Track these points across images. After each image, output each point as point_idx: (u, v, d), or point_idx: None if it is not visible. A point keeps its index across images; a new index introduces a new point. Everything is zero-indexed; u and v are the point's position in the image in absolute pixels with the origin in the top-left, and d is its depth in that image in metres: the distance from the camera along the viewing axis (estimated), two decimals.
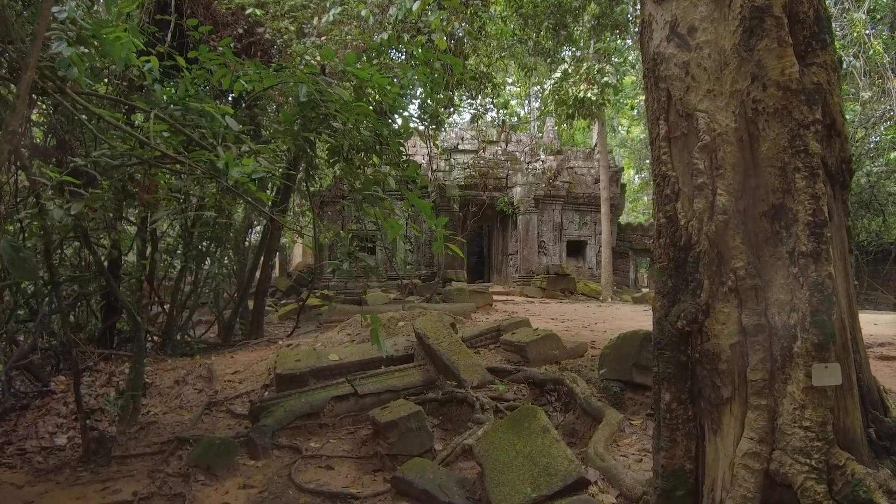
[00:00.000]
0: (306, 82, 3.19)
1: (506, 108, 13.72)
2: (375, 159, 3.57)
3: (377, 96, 3.46)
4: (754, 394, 1.69)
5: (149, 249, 7.71)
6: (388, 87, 2.96)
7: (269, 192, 9.46)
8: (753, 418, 1.68)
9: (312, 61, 4.29)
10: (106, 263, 8.03)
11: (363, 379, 4.44)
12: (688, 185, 1.79)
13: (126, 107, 4.91)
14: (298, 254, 20.97)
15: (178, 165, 2.62)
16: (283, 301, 16.90)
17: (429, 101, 4.35)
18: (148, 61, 2.65)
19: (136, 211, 7.95)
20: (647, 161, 24.16)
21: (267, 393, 5.04)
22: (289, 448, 3.92)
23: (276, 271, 21.05)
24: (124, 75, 5.54)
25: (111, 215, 6.78)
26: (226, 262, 10.07)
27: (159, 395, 5.62)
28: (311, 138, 3.69)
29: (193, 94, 2.88)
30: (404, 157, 3.97)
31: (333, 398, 4.25)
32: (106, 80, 4.85)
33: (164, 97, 3.49)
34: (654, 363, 1.85)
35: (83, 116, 3.21)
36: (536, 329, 5.01)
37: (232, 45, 6.93)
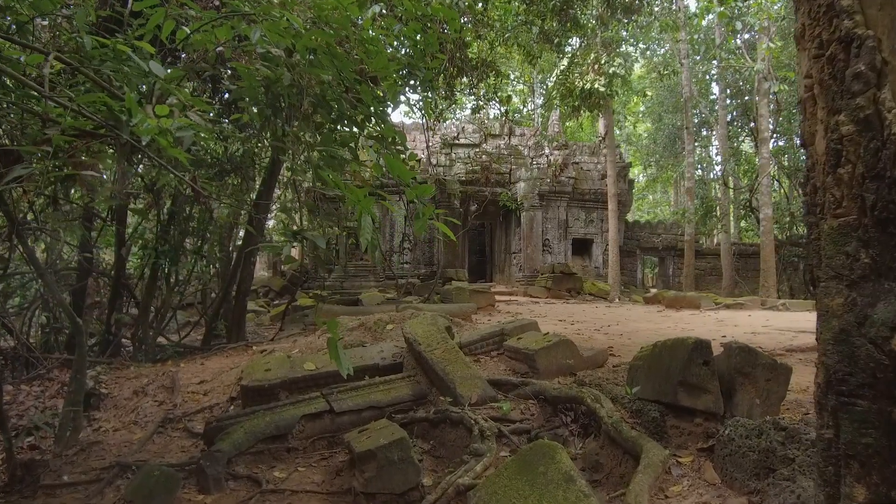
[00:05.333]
0: (258, 23, 2.50)
1: (508, 102, 13.03)
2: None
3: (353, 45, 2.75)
4: None
5: (122, 244, 7.07)
6: (361, 22, 2.26)
7: (254, 182, 8.80)
8: None
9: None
10: (78, 260, 7.39)
11: (341, 393, 3.74)
12: None
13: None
14: (294, 252, 20.27)
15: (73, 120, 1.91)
16: (277, 301, 16.27)
17: (420, 64, 3.63)
18: None
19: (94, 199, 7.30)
20: (655, 156, 23.35)
21: (232, 407, 4.35)
22: (247, 479, 3.23)
23: (271, 270, 20.41)
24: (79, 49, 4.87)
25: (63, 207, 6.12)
26: (213, 260, 9.43)
27: (115, 407, 4.92)
28: (279, 104, 3.01)
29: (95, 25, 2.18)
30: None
31: (304, 417, 3.55)
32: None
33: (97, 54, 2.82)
34: (820, 418, 0.99)
35: None
36: (546, 334, 4.30)
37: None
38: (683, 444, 2.32)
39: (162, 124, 2.04)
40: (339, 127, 2.97)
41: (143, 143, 2.05)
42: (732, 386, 2.37)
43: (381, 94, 3.26)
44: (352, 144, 3.03)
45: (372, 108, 2.87)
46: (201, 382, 5.03)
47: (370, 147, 2.70)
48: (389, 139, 2.41)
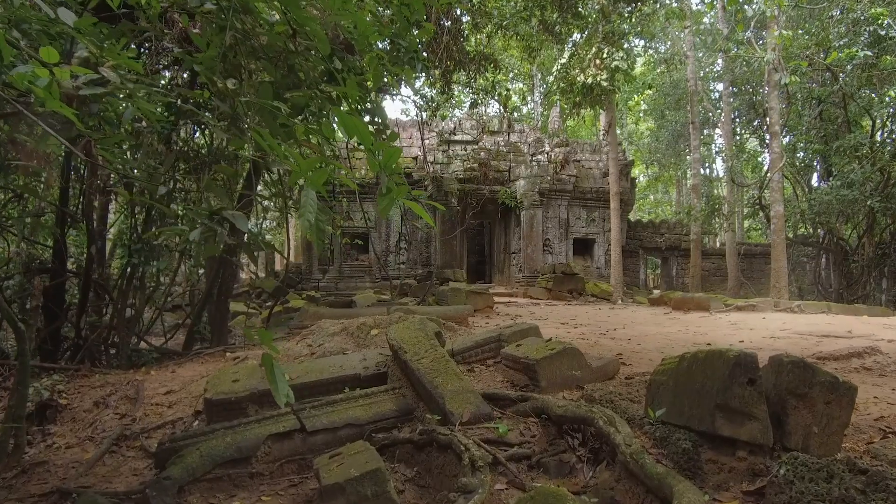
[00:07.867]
0: None
1: (508, 100, 12.57)
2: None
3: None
4: None
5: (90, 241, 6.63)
6: None
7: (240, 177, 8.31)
8: None
9: None
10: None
11: (315, 409, 3.28)
12: None
13: None
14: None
15: None
16: (269, 303, 15.81)
17: (404, 34, 3.18)
18: None
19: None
20: (658, 154, 22.87)
21: (197, 422, 3.88)
22: None
23: (264, 271, 19.97)
24: None
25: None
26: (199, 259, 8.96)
27: (73, 420, 4.45)
28: (239, 76, 2.55)
29: None
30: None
31: (271, 437, 3.09)
32: None
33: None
34: None
35: None
36: (549, 340, 3.83)
37: None
38: (723, 485, 1.85)
39: (59, 76, 1.59)
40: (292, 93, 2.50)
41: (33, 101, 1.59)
42: (783, 410, 1.91)
43: (360, 66, 2.81)
44: (322, 120, 2.58)
45: (337, 66, 2.41)
46: (168, 393, 4.56)
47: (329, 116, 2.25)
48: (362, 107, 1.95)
